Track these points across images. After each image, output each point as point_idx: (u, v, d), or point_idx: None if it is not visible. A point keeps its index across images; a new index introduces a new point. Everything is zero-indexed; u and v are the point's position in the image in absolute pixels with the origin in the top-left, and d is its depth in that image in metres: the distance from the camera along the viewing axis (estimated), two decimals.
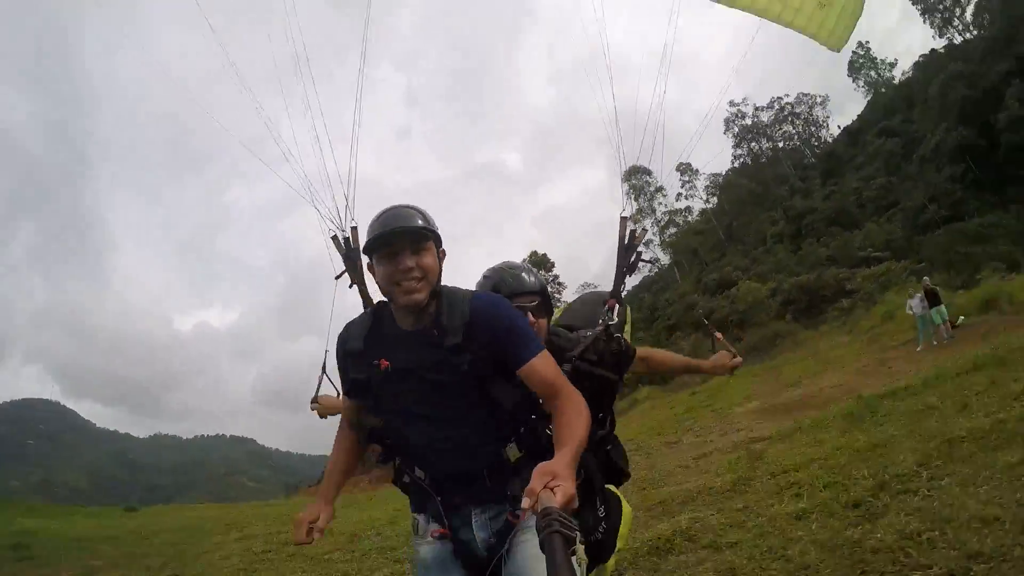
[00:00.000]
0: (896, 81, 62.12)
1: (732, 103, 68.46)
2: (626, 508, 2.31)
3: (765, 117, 69.73)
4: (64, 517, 20.76)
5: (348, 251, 2.42)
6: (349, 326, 1.98)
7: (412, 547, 2.03)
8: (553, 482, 1.30)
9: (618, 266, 2.71)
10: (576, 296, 2.72)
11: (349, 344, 1.91)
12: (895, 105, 55.48)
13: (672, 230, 69.06)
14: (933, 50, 54.62)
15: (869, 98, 65.15)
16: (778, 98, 69.48)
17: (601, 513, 2.17)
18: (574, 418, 1.68)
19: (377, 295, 2.00)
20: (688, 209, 71.31)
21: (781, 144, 68.87)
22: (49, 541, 12.70)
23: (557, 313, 2.69)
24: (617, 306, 2.57)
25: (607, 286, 2.75)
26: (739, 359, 2.82)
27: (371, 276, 1.95)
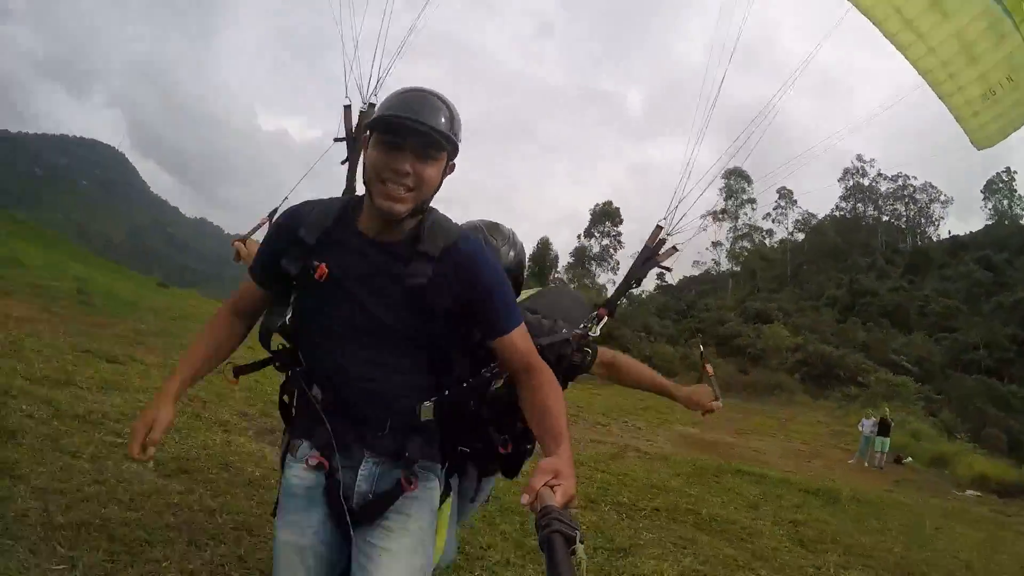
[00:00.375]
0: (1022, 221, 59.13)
1: (860, 158, 66.23)
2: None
3: (884, 186, 67.28)
4: (109, 273, 22.73)
5: (356, 126, 2.43)
6: (309, 207, 1.65)
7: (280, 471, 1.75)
8: (554, 480, 1.23)
9: (628, 275, 2.53)
10: (548, 288, 2.71)
11: (300, 231, 1.58)
12: (1010, 242, 53.26)
13: (745, 243, 68.50)
14: None
15: (991, 222, 62.24)
16: (905, 175, 66.70)
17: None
18: (555, 402, 1.52)
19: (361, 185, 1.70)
20: (770, 232, 70.32)
21: (886, 218, 66.68)
22: (103, 295, 13.65)
23: (523, 295, 2.40)
24: (606, 318, 2.37)
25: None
26: (719, 403, 2.44)
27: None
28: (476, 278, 1.56)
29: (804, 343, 41.69)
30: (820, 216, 69.33)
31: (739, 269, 66.27)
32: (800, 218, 69.34)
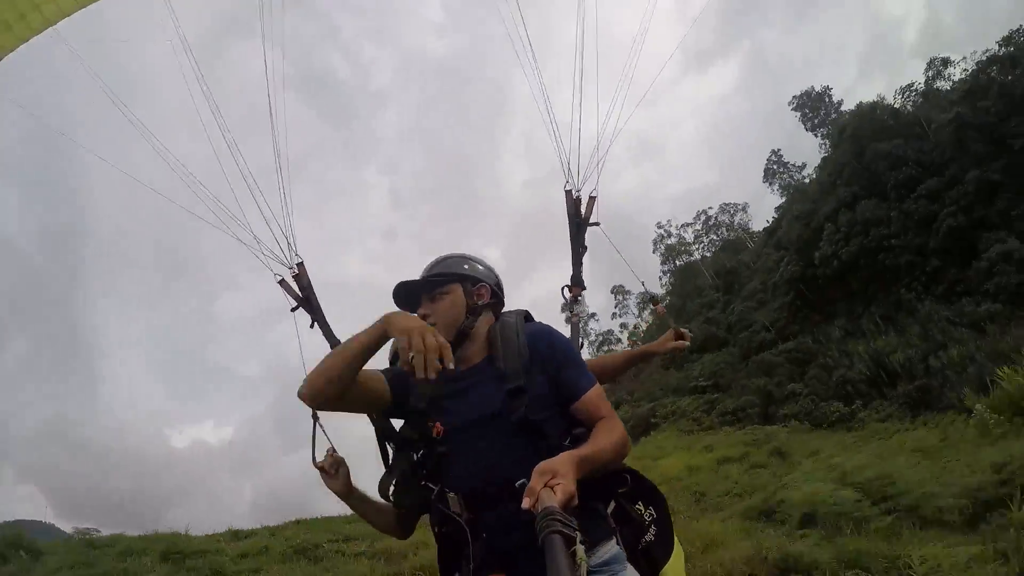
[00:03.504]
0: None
1: (659, 224, 69.23)
2: (677, 546, 2.05)
3: (690, 233, 68.79)
4: None
5: (300, 288, 2.33)
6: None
7: None
8: (553, 480, 1.28)
9: (573, 249, 2.58)
10: None
11: (411, 397, 1.89)
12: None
13: (605, 348, 66.94)
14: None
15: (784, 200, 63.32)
16: (703, 211, 68.64)
17: (645, 513, 2.00)
18: (602, 433, 1.71)
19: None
20: (624, 326, 69.73)
21: (703, 255, 67.03)
22: None
23: None
24: (581, 292, 2.52)
25: None
26: (688, 332, 2.75)
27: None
28: (551, 357, 1.86)
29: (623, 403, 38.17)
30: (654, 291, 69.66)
31: None
32: (639, 301, 69.49)
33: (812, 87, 55.21)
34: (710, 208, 68.77)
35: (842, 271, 32.29)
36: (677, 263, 68.03)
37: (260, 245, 2.37)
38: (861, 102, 40.81)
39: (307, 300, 2.31)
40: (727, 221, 67.67)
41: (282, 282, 2.35)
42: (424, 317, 1.85)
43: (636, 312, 69.44)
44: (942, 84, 40.36)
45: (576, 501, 1.32)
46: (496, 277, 2.12)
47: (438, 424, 1.82)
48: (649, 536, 1.97)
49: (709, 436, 24.63)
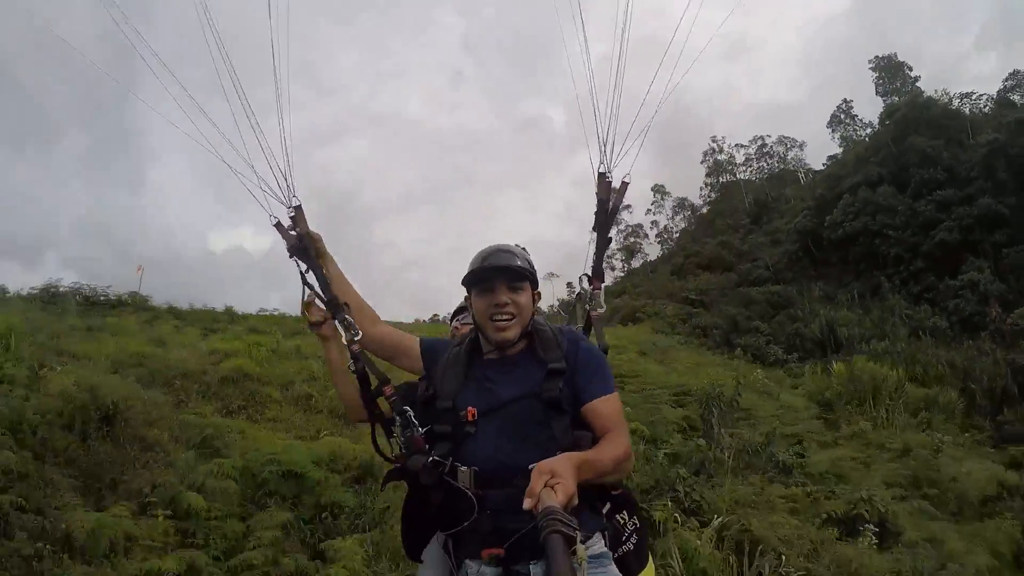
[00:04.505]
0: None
1: (712, 138, 69.98)
2: (650, 562, 2.11)
3: (741, 155, 70.32)
4: None
5: (297, 236, 2.13)
6: (447, 364, 2.00)
7: None
8: (553, 480, 1.29)
9: (599, 235, 2.33)
10: None
11: (440, 395, 1.93)
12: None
13: (632, 239, 71.52)
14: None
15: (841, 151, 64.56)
16: (760, 136, 69.68)
17: (628, 523, 2.05)
18: (607, 444, 1.74)
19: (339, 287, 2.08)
20: (655, 223, 73.24)
21: (752, 178, 69.33)
22: None
23: None
24: (601, 286, 2.34)
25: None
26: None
27: (471, 307, 1.99)
28: (584, 358, 1.90)
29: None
30: (693, 200, 72.33)
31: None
32: (675, 205, 72.53)
33: (895, 53, 53.52)
34: (768, 136, 69.51)
35: (843, 241, 36.44)
36: (721, 179, 70.38)
37: (257, 176, 2.11)
38: (917, 87, 41.92)
39: (304, 250, 2.10)
40: (781, 153, 69.05)
41: (278, 223, 2.15)
42: (503, 305, 1.88)
43: (670, 215, 72.39)
44: (1019, 96, 41.62)
45: (576, 501, 1.34)
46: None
47: (471, 409, 1.85)
48: (628, 546, 2.02)
49: (669, 339, 28.45)
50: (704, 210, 68.28)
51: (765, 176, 69.10)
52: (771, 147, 69.02)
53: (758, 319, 32.37)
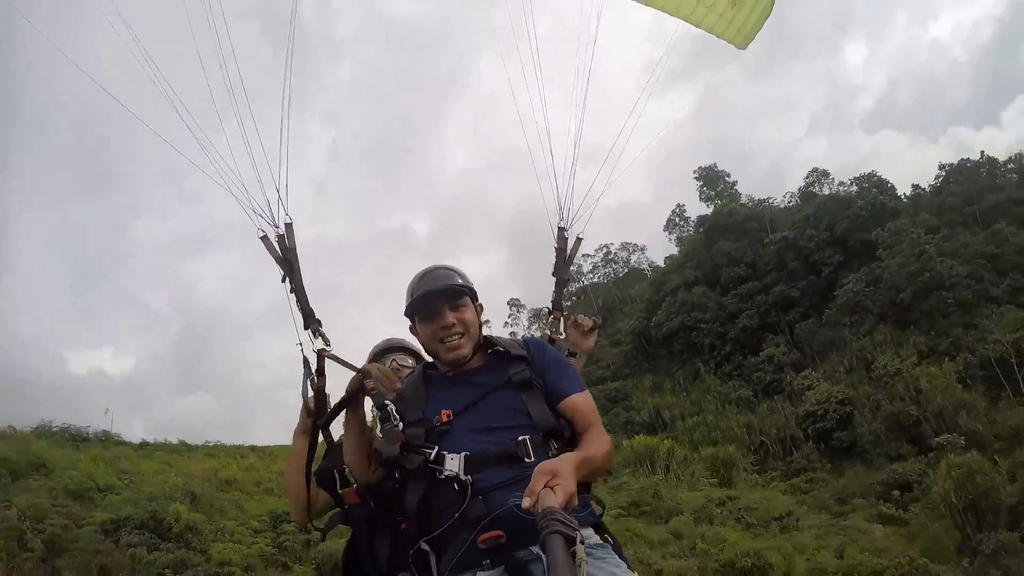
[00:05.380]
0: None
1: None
2: None
3: (588, 264, 74.89)
4: None
5: (284, 251, 2.20)
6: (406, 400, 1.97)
7: None
8: (553, 480, 1.29)
9: (557, 277, 2.77)
10: None
11: (407, 413, 1.90)
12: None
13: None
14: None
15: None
16: (604, 245, 75.08)
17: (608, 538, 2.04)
18: (595, 441, 1.79)
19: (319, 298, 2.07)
20: (513, 334, 74.64)
21: (602, 281, 73.49)
22: None
23: None
24: (562, 317, 2.66)
25: None
26: (590, 322, 2.81)
27: (415, 335, 2.05)
28: (543, 354, 2.01)
29: None
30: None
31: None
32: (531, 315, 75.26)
33: (715, 164, 60.01)
34: (612, 244, 75.15)
35: (668, 336, 40.46)
36: (571, 287, 74.10)
37: (248, 196, 2.19)
38: (719, 203, 48.50)
39: (290, 266, 2.14)
40: (624, 258, 74.61)
41: (264, 237, 2.16)
42: (450, 326, 1.91)
43: (527, 326, 74.60)
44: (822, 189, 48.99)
45: (576, 502, 1.34)
46: None
47: (444, 411, 1.86)
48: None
49: None
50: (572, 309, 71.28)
51: (611, 281, 73.72)
52: (615, 254, 74.35)
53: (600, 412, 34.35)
